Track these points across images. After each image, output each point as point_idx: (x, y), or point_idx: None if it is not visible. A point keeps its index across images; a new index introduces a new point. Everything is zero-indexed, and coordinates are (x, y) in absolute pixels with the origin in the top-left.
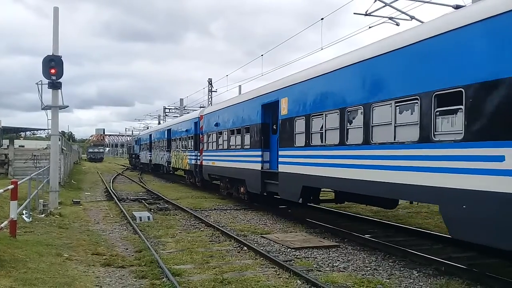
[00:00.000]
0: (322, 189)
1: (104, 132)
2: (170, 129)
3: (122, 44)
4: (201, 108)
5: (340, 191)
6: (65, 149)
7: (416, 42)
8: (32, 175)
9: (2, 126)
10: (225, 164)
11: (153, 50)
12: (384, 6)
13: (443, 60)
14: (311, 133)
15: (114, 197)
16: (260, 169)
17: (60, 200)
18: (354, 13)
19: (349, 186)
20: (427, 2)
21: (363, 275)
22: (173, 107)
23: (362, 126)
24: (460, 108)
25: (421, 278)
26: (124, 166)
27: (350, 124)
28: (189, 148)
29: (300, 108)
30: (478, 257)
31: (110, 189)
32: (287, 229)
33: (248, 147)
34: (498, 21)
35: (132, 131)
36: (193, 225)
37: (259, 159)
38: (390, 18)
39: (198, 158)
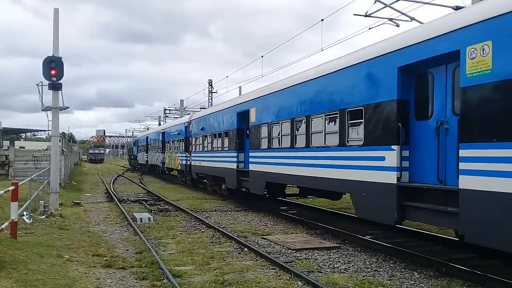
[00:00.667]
0: (287, 185)
1: (104, 133)
2: (164, 132)
3: (121, 45)
4: (191, 114)
5: (299, 186)
6: (65, 150)
7: (335, 71)
8: (32, 176)
9: (2, 127)
10: (209, 164)
11: (152, 51)
12: (384, 7)
13: (352, 85)
14: (272, 138)
15: (115, 198)
16: (235, 168)
17: (61, 201)
18: (354, 14)
19: (299, 181)
20: (427, 3)
21: (364, 276)
22: (174, 108)
23: (305, 133)
24: (362, 122)
25: (422, 279)
26: (124, 167)
27: (297, 131)
28: (180, 150)
29: (264, 117)
30: (478, 258)
31: (111, 190)
32: (288, 230)
33: (227, 149)
34: (370, 64)
35: (133, 132)
36: (193, 226)
37: (235, 159)
38: (390, 19)
39: (188, 159)
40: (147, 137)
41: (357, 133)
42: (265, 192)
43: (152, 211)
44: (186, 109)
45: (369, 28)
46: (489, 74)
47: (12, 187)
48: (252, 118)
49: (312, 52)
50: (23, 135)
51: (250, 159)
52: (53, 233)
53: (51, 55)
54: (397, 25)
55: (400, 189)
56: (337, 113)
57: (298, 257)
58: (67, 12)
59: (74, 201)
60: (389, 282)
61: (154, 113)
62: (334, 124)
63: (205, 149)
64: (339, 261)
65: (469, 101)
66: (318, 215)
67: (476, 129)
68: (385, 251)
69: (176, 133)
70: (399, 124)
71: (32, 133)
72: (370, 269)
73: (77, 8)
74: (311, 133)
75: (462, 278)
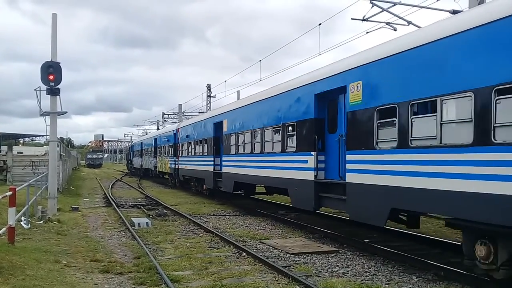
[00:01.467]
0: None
1: (102, 138)
2: (156, 138)
3: (119, 50)
4: (178, 122)
5: (261, 184)
6: (63, 155)
7: (279, 94)
8: (30, 181)
9: (0, 133)
10: (193, 167)
11: (150, 56)
12: (381, 12)
13: (288, 105)
14: (238, 145)
15: (113, 203)
16: (213, 170)
17: (59, 207)
18: (352, 19)
19: (258, 180)
20: (424, 7)
21: (362, 280)
22: (172, 113)
23: (260, 141)
24: (295, 133)
25: (420, 283)
26: (122, 172)
27: (255, 140)
28: (170, 155)
29: (233, 127)
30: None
31: (109, 195)
32: (286, 235)
33: (206, 154)
34: (298, 90)
35: (131, 137)
36: (192, 231)
37: (212, 163)
38: (388, 24)
39: (176, 163)
40: (141, 143)
41: (292, 142)
42: (241, 191)
43: (150, 216)
44: (184, 113)
45: (367, 32)
46: (360, 103)
47: (10, 193)
48: (225, 128)
49: (310, 56)
50: (21, 140)
51: (223, 163)
52: (51, 239)
53: (49, 60)
54: (395, 29)
55: (316, 184)
56: (280, 127)
57: (296, 261)
58: (65, 17)
59: (72, 206)
60: (387, 286)
61: (152, 117)
62: (279, 135)
63: (190, 154)
64: (337, 265)
65: (350, 121)
66: (317, 219)
67: (354, 140)
68: (384, 255)
69: (166, 139)
70: (316, 136)
71: (30, 138)
72: (369, 273)
73: (75, 13)
74: (264, 142)
75: (460, 282)
